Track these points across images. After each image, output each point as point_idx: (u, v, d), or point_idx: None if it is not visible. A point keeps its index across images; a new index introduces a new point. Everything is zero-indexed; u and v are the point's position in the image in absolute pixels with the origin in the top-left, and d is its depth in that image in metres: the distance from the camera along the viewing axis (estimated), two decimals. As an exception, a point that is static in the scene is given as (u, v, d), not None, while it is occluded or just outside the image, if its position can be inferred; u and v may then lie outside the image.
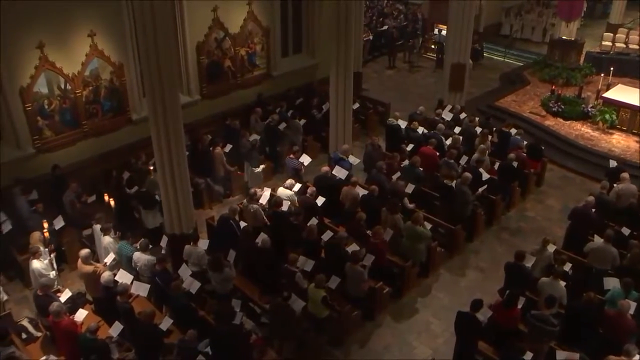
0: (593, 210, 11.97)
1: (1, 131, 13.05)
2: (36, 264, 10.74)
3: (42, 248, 11.02)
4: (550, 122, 18.24)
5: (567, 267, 10.60)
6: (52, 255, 11.28)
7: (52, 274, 10.97)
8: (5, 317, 10.24)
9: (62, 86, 13.48)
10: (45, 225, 11.53)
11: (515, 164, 13.90)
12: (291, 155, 14.19)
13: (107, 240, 11.34)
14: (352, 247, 11.01)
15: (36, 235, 11.27)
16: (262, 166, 15.15)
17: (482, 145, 14.42)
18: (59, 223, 11.91)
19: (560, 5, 22.06)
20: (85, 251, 10.71)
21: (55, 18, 12.92)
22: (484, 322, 9.46)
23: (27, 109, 12.99)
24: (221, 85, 16.96)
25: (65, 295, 10.09)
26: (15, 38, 12.42)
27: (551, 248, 11.09)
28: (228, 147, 14.72)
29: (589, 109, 18.14)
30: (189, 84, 16.17)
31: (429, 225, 11.88)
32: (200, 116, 16.21)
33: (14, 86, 12.68)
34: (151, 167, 13.24)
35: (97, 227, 11.65)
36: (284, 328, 9.94)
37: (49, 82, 13.24)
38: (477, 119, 16.24)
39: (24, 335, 9.98)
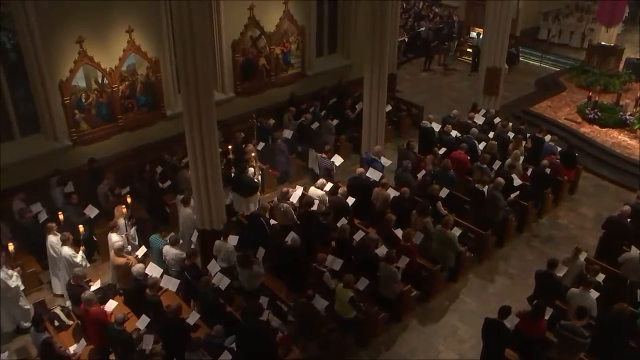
0: (628, 220, 11.76)
1: (40, 123, 13.36)
2: (114, 237, 11.26)
3: (123, 221, 11.62)
4: (586, 129, 17.93)
5: (600, 277, 10.43)
6: (132, 230, 11.90)
7: (129, 248, 11.47)
8: (39, 304, 10.48)
9: (100, 80, 13.76)
10: (129, 200, 12.28)
11: (548, 170, 13.71)
12: (323, 155, 14.22)
13: (187, 212, 11.94)
14: (382, 249, 11.00)
15: (120, 209, 11.82)
16: (327, 147, 15.23)
17: (515, 150, 14.27)
18: (93, 212, 12.12)
19: (600, 10, 21.63)
20: (118, 243, 10.92)
21: (95, 14, 13.18)
22: (511, 329, 9.37)
23: (65, 102, 13.29)
24: (255, 83, 17.08)
25: (95, 286, 10.29)
26: (56, 33, 12.73)
27: (583, 257, 10.92)
28: (260, 145, 14.81)
29: (627, 117, 17.78)
30: (224, 81, 16.32)
31: (458, 231, 11.80)
32: (233, 113, 16.34)
33: (53, 80, 13.00)
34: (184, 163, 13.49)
35: (179, 197, 12.22)
36: (308, 327, 9.97)
37: (87, 76, 13.52)
38: (510, 124, 16.07)
39: (56, 323, 10.21)
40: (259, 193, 13.80)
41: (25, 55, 12.58)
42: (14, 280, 10.57)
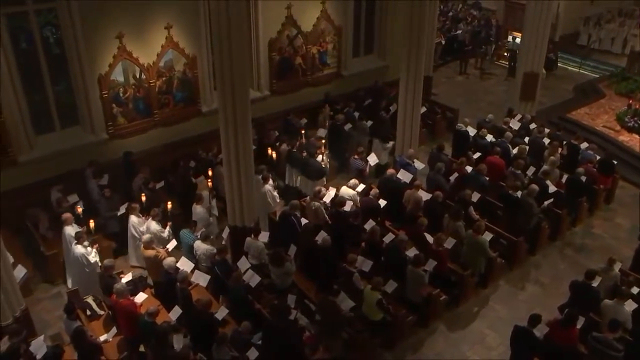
0: (666, 232, 11.52)
1: (79, 116, 13.63)
2: (199, 209, 12.29)
3: (207, 193, 12.61)
4: (625, 137, 17.59)
5: (635, 290, 10.20)
6: (213, 202, 12.72)
7: (211, 219, 12.14)
8: (72, 293, 10.70)
9: (137, 75, 13.97)
10: (210, 172, 12.99)
11: (583, 178, 13.48)
12: (355, 156, 14.21)
13: (267, 187, 12.60)
14: (412, 252, 10.95)
15: (204, 182, 12.68)
16: (391, 142, 15.27)
17: (551, 157, 14.06)
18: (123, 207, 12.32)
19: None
20: (147, 236, 11.09)
21: (135, 10, 13.41)
22: (540, 338, 9.23)
23: (104, 96, 13.54)
24: (291, 82, 17.14)
25: (127, 277, 10.46)
26: (97, 28, 12.98)
27: (617, 267, 10.72)
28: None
29: (668, 126, 17.39)
30: (259, 79, 16.41)
31: (489, 237, 11.69)
32: (268, 112, 16.43)
33: (93, 74, 13.26)
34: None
35: (259, 177, 12.65)
36: (330, 326, 9.96)
37: (125, 71, 13.76)
38: (546, 130, 15.84)
39: (88, 312, 10.41)
40: (324, 178, 14.26)
41: (67, 49, 12.87)
42: (93, 256, 11.05)
